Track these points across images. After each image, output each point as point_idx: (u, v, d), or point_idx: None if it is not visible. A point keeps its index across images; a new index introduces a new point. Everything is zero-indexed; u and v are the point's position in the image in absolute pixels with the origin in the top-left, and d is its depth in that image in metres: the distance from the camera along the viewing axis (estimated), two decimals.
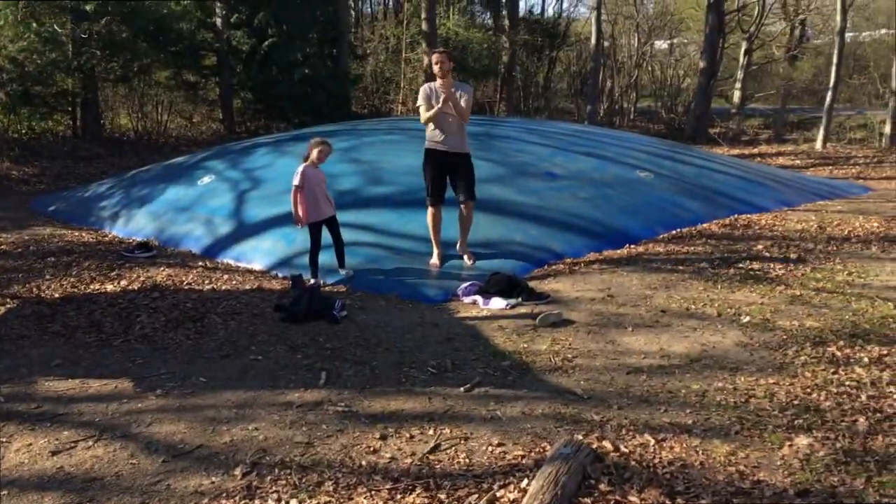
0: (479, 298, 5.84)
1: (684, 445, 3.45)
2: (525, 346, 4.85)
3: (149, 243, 7.73)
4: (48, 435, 3.72)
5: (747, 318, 5.21)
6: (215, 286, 6.36)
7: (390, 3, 29.24)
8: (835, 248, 7.18)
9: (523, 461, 3.35)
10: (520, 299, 5.77)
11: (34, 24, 14.00)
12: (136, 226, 8.58)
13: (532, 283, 6.12)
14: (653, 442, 3.49)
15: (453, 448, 3.50)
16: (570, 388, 4.17)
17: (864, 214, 8.83)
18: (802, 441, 3.44)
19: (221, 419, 3.85)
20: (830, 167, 14.22)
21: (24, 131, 15.42)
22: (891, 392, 3.95)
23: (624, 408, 3.89)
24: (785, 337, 4.83)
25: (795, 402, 3.87)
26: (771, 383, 4.13)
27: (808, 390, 4.01)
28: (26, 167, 13.23)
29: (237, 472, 3.31)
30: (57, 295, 6.14)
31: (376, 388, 4.21)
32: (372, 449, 3.50)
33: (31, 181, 12.41)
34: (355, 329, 5.24)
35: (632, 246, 7.37)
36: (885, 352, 4.49)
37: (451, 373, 4.42)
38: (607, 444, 3.46)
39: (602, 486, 3.10)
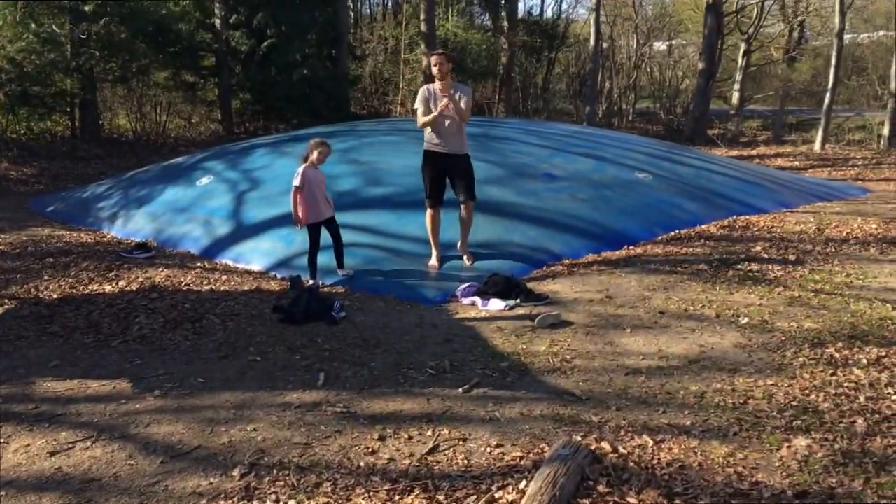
0: (477, 299, 5.84)
1: (683, 446, 3.45)
2: (524, 347, 4.85)
3: (147, 244, 7.72)
4: (46, 435, 3.71)
5: (746, 320, 5.21)
6: (214, 287, 6.36)
7: (389, 4, 29.27)
8: (833, 250, 7.19)
9: (522, 462, 3.35)
10: (518, 300, 5.77)
11: (33, 25, 14.00)
12: (134, 226, 8.57)
13: (531, 285, 6.12)
14: (651, 443, 3.49)
15: (452, 449, 3.50)
16: (568, 389, 4.17)
17: (863, 216, 8.84)
18: (801, 442, 3.44)
19: (220, 420, 3.85)
20: (829, 168, 14.23)
21: (22, 132, 15.42)
22: (889, 393, 3.95)
23: (622, 409, 3.89)
24: (783, 338, 4.84)
25: (794, 404, 3.87)
26: (769, 384, 4.13)
27: (807, 392, 4.01)
28: (25, 167, 13.22)
29: (235, 472, 3.31)
30: (55, 296, 6.13)
31: (375, 389, 4.21)
32: (370, 450, 3.50)
33: (30, 181, 12.41)
34: (354, 330, 5.24)
35: (630, 247, 7.37)
36: (883, 353, 4.50)
37: (449, 374, 4.42)
38: (606, 446, 3.46)
39: (600, 488, 3.10)
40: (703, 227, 8.20)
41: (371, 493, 3.13)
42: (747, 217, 8.75)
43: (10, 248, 7.78)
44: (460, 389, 4.17)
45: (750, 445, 3.45)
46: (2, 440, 3.67)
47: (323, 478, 3.26)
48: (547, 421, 3.77)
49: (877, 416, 3.70)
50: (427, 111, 6.48)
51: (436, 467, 3.34)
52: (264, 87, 18.46)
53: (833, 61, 17.02)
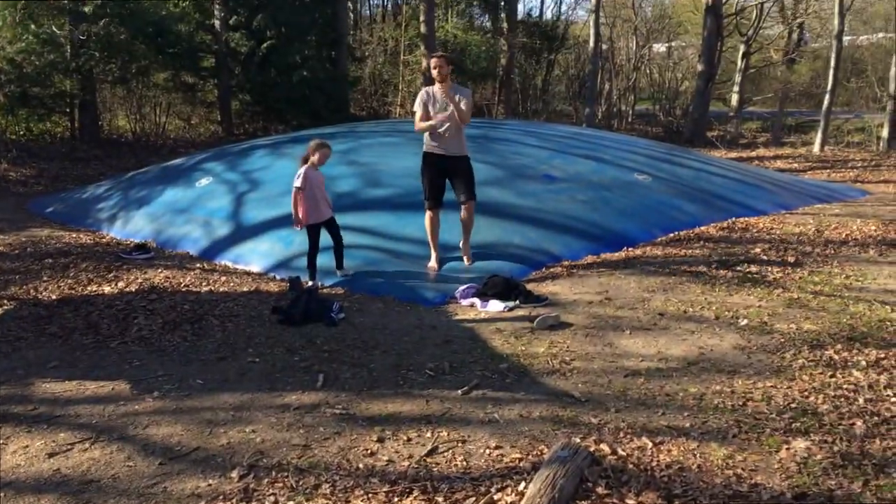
0: (476, 301, 5.84)
1: (682, 448, 3.45)
2: (523, 348, 4.85)
3: (146, 245, 7.72)
4: (45, 437, 3.71)
5: (745, 321, 5.21)
6: (213, 288, 6.35)
7: (389, 5, 29.28)
8: (832, 252, 7.19)
9: (521, 464, 3.35)
10: (517, 302, 5.77)
11: (32, 26, 14.00)
12: (133, 227, 8.57)
13: (530, 286, 6.12)
14: (650, 445, 3.49)
15: (451, 451, 3.50)
16: (567, 390, 4.16)
17: (862, 218, 8.85)
18: (800, 444, 3.44)
19: (218, 421, 3.85)
20: (828, 170, 14.24)
21: (21, 133, 15.42)
22: (888, 395, 3.95)
23: (621, 411, 3.89)
24: (783, 340, 4.84)
25: (793, 406, 3.87)
26: (768, 386, 4.13)
27: (806, 393, 4.01)
28: (24, 168, 13.22)
29: (234, 474, 3.31)
30: (54, 296, 6.13)
31: (374, 391, 4.21)
32: (369, 451, 3.50)
33: (29, 182, 12.40)
34: (353, 331, 5.24)
35: (629, 249, 7.37)
36: (882, 355, 4.50)
37: (448, 375, 4.42)
38: (605, 447, 3.46)
39: (599, 490, 3.10)
40: (703, 228, 8.20)
41: (370, 495, 3.13)
42: (746, 219, 8.76)
43: (10, 249, 7.78)
44: (459, 391, 4.17)
45: (749, 447, 3.45)
46: (0, 441, 3.66)
47: (322, 479, 3.26)
48: (546, 422, 3.77)
49: (876, 418, 3.70)
50: (425, 114, 6.49)
51: (435, 469, 3.34)
52: (264, 88, 18.47)
53: (832, 63, 17.04)
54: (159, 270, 6.88)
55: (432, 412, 3.92)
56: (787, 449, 3.41)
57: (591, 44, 20.63)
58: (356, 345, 4.95)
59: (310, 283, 6.27)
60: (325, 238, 6.40)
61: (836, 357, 4.51)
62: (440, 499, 3.09)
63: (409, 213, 7.37)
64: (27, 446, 3.61)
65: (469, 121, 6.52)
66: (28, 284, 6.47)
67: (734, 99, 21.89)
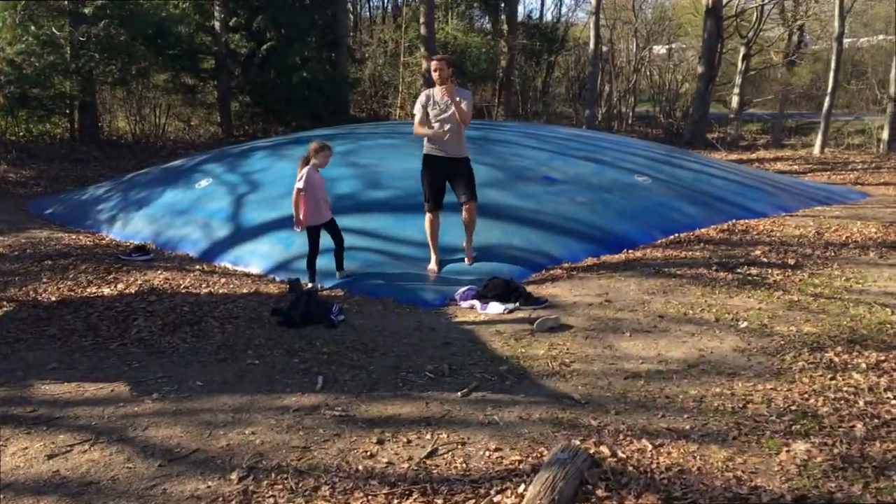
0: (476, 303, 5.84)
1: (682, 451, 3.45)
2: (522, 350, 4.84)
3: (146, 246, 7.72)
4: (44, 438, 3.70)
5: (745, 324, 5.21)
6: (212, 290, 6.35)
7: (389, 7, 29.33)
8: (833, 254, 7.19)
9: (520, 466, 3.34)
10: (517, 304, 5.76)
11: (32, 27, 14.01)
12: (133, 229, 8.57)
13: (530, 288, 6.11)
14: (650, 447, 3.48)
15: (450, 453, 3.50)
16: (567, 392, 4.16)
17: (862, 220, 8.85)
18: (800, 447, 3.43)
19: (218, 423, 3.84)
20: (828, 172, 14.25)
21: (21, 134, 15.42)
22: (888, 398, 3.95)
23: (621, 413, 3.88)
24: (783, 342, 4.83)
25: (793, 408, 3.87)
26: (769, 389, 4.12)
27: (806, 396, 4.01)
28: (23, 170, 13.22)
29: (233, 476, 3.30)
30: (53, 298, 6.12)
31: (373, 393, 4.21)
32: (369, 453, 3.49)
33: (29, 184, 12.40)
34: (352, 333, 5.23)
35: (630, 251, 7.37)
36: (882, 357, 4.49)
37: (448, 377, 4.41)
38: (605, 450, 3.45)
39: (599, 492, 3.10)
40: (703, 230, 8.20)
41: (369, 497, 3.12)
42: (747, 221, 8.76)
43: (9, 251, 7.78)
44: (459, 393, 4.17)
45: (749, 450, 3.44)
46: (0, 443, 3.66)
47: (321, 481, 3.25)
48: (546, 425, 3.77)
49: (876, 420, 3.70)
50: (425, 116, 6.50)
51: (434, 471, 3.33)
52: (264, 89, 18.48)
53: (832, 65, 17.05)
54: (159, 272, 6.88)
55: (432, 414, 3.91)
56: (788, 451, 3.40)
57: (592, 46, 20.63)
58: (356, 347, 4.95)
59: (309, 285, 6.27)
60: (324, 240, 6.40)
61: (836, 359, 4.50)
62: (440, 501, 3.08)
63: (409, 215, 7.37)
64: (26, 448, 3.61)
65: (469, 122, 6.52)
66: (27, 286, 6.46)
67: (734, 101, 21.90)
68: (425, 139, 6.54)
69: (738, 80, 21.81)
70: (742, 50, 21.40)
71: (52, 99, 15.10)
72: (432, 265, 6.66)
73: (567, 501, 3.00)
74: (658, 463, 3.34)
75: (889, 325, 5.09)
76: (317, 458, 3.46)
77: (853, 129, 19.60)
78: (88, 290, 6.37)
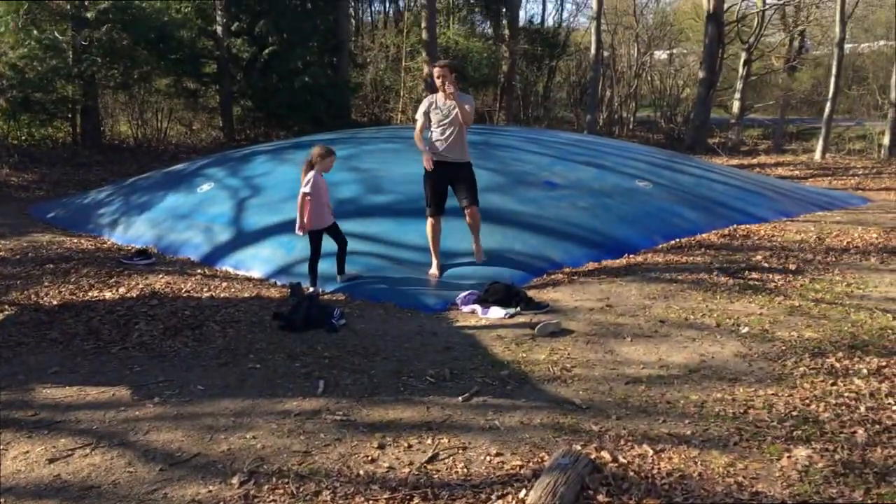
0: (477, 308, 5.84)
1: (683, 456, 3.45)
2: (524, 355, 4.85)
3: (148, 250, 7.72)
4: (45, 442, 3.71)
5: (746, 329, 5.21)
6: (214, 294, 6.36)
7: (391, 12, 29.35)
8: (834, 259, 7.19)
9: (521, 471, 3.34)
10: (518, 309, 5.77)
11: (35, 31, 14.04)
12: (135, 233, 8.58)
13: (531, 293, 6.12)
14: (651, 452, 3.48)
15: (451, 458, 3.50)
16: (568, 397, 4.16)
17: (863, 225, 8.84)
18: (801, 452, 3.43)
19: (219, 427, 3.84)
20: (829, 178, 14.25)
21: (23, 138, 15.45)
22: (889, 404, 3.95)
23: (622, 418, 3.88)
24: (784, 348, 4.83)
25: (794, 414, 3.87)
26: (770, 394, 4.12)
27: (807, 401, 4.01)
28: (26, 174, 13.24)
29: (234, 480, 3.30)
30: (55, 302, 6.13)
31: (374, 397, 4.21)
32: (370, 458, 3.49)
33: (31, 188, 12.42)
34: (354, 338, 5.24)
35: (631, 256, 7.37)
36: (883, 363, 4.49)
37: (449, 382, 4.42)
38: (606, 455, 3.45)
39: (600, 497, 3.09)
40: (704, 235, 8.20)
41: (370, 502, 3.12)
42: (748, 226, 8.76)
43: (11, 254, 7.79)
44: (460, 398, 4.17)
45: (750, 455, 3.44)
46: (1, 447, 3.66)
47: (322, 486, 3.25)
48: (547, 430, 3.76)
49: (877, 426, 3.69)
50: (427, 122, 6.55)
51: (435, 476, 3.33)
52: (265, 94, 18.51)
53: (833, 71, 17.07)
54: (160, 276, 6.88)
55: (433, 419, 3.91)
56: (789, 457, 3.40)
57: (593, 51, 20.67)
58: (357, 351, 4.95)
59: (311, 289, 6.28)
60: (324, 245, 6.40)
61: (837, 365, 4.50)
62: None
63: (411, 220, 7.38)
64: (28, 452, 3.61)
65: (471, 122, 6.53)
66: (29, 290, 6.47)
67: (735, 106, 21.91)
68: (429, 142, 6.58)
69: (739, 85, 21.83)
70: (743, 55, 21.43)
71: (54, 103, 15.12)
72: (433, 270, 6.67)
73: None
74: (659, 468, 3.34)
75: (890, 331, 5.08)
76: (318, 462, 3.46)
77: (854, 134, 19.62)
78: (90, 293, 6.38)
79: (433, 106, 6.55)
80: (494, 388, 4.30)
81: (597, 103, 21.70)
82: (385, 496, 3.16)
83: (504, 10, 25.28)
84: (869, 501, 3.04)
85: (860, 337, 4.99)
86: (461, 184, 6.60)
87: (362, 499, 3.14)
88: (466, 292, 6.08)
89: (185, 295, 6.32)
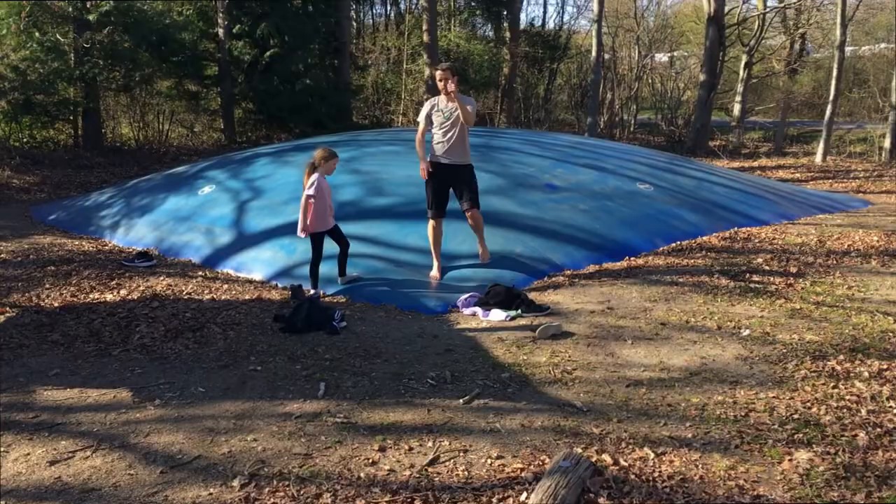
0: (478, 310, 5.84)
1: (684, 459, 3.44)
2: (524, 358, 4.84)
3: (149, 253, 7.73)
4: (46, 444, 3.71)
5: (747, 332, 5.21)
6: (215, 296, 6.36)
7: (392, 14, 29.36)
8: (835, 262, 7.18)
9: (522, 474, 3.34)
10: (519, 311, 5.76)
11: (37, 33, 14.06)
12: (136, 235, 8.58)
13: (532, 295, 6.12)
14: (652, 455, 3.48)
15: (452, 460, 3.50)
16: (569, 400, 4.16)
17: (864, 228, 8.84)
18: (802, 456, 3.43)
19: (220, 430, 3.84)
20: (830, 181, 14.25)
21: (25, 140, 15.46)
22: (891, 407, 3.94)
23: (623, 421, 3.88)
24: (785, 351, 4.83)
25: (795, 417, 3.86)
26: (771, 397, 4.12)
27: (808, 404, 4.01)
28: (27, 176, 13.25)
29: (235, 483, 3.30)
30: (56, 304, 6.13)
31: (375, 400, 4.21)
32: (371, 461, 3.49)
33: (32, 190, 12.43)
34: (355, 340, 5.24)
35: (632, 258, 7.37)
36: (885, 366, 4.49)
37: (450, 384, 4.42)
38: (607, 458, 3.45)
39: (601, 500, 3.09)
40: (705, 238, 8.20)
41: None
42: (749, 229, 8.76)
43: (12, 256, 7.79)
44: (461, 400, 4.17)
45: (751, 458, 3.44)
46: (2, 449, 3.66)
47: (323, 489, 3.25)
48: (548, 432, 3.76)
49: (878, 429, 3.69)
50: (428, 125, 6.59)
51: (436, 479, 3.33)
52: (267, 96, 18.53)
53: (834, 73, 17.06)
54: (161, 278, 6.89)
55: (434, 421, 3.91)
56: (790, 460, 3.40)
57: (594, 53, 20.66)
58: (358, 353, 4.95)
59: (312, 292, 6.28)
60: (326, 247, 6.41)
61: (838, 368, 4.50)
62: None
63: (411, 222, 7.38)
64: (28, 454, 3.61)
65: (472, 122, 6.54)
66: (30, 292, 6.47)
67: (736, 109, 21.92)
68: (431, 144, 6.60)
69: (739, 88, 21.84)
70: (744, 58, 21.43)
71: (55, 105, 15.13)
72: (434, 272, 6.67)
73: None
74: (660, 471, 3.34)
75: (891, 334, 5.08)
76: (319, 465, 3.46)
77: (855, 137, 19.61)
78: (91, 296, 6.38)
79: (435, 108, 6.57)
80: (495, 391, 4.30)
81: (598, 106, 21.69)
82: (386, 499, 3.16)
83: (505, 12, 25.32)
84: None
85: (861, 340, 4.99)
86: (462, 186, 6.61)
87: (363, 501, 3.14)
88: (467, 294, 6.08)
89: (186, 297, 6.32)
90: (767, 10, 22.01)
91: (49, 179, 13.12)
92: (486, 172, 8.06)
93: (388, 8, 29.70)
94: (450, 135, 6.49)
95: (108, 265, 7.39)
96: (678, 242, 7.97)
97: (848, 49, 19.95)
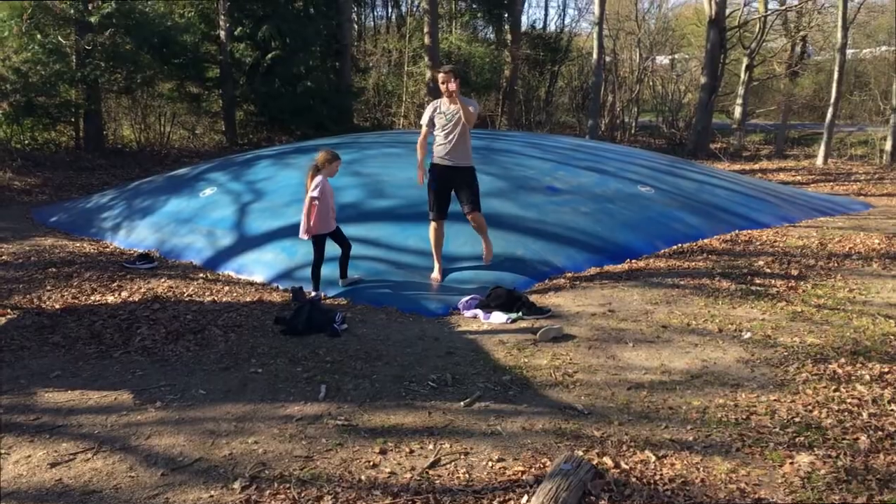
0: (479, 312, 5.84)
1: (685, 462, 3.44)
2: (526, 360, 4.84)
3: (150, 255, 7.73)
4: (47, 447, 3.71)
5: (748, 335, 5.20)
6: (216, 298, 6.36)
7: (393, 17, 29.39)
8: (836, 265, 7.18)
9: (523, 477, 3.34)
10: (520, 314, 5.76)
11: (38, 36, 14.07)
12: (137, 237, 8.59)
13: (533, 298, 6.12)
14: (653, 458, 3.48)
15: (453, 463, 3.49)
16: (570, 403, 4.16)
17: (865, 231, 8.84)
18: (804, 459, 3.43)
19: (221, 432, 3.84)
20: (831, 183, 14.24)
21: (26, 142, 15.46)
22: (892, 410, 3.94)
23: (625, 424, 3.88)
24: (786, 353, 4.83)
25: (797, 420, 3.86)
26: (772, 400, 4.12)
27: (810, 407, 4.00)
28: (28, 178, 13.26)
29: (236, 485, 3.30)
30: (57, 306, 6.14)
31: (376, 402, 4.21)
32: (372, 463, 3.49)
33: (34, 192, 12.43)
34: (356, 342, 5.24)
35: (633, 261, 7.37)
36: (886, 369, 4.49)
37: (451, 387, 4.41)
38: (608, 461, 3.45)
39: (602, 503, 3.09)
40: (706, 241, 8.20)
41: None
42: (750, 231, 8.75)
43: (13, 258, 7.79)
44: (462, 403, 4.17)
45: (752, 461, 3.44)
46: (3, 451, 3.66)
47: (324, 491, 3.25)
48: (549, 435, 3.76)
49: (880, 432, 3.69)
50: (431, 127, 6.64)
51: (437, 481, 3.33)
52: (268, 98, 18.54)
53: (835, 76, 17.07)
54: (163, 280, 6.89)
55: (435, 424, 3.91)
56: (791, 463, 3.40)
57: (595, 56, 20.68)
58: (359, 356, 4.95)
59: (313, 294, 6.28)
60: (327, 249, 6.41)
61: (839, 371, 4.50)
62: None
63: (412, 224, 7.38)
64: (29, 456, 3.61)
65: (473, 121, 6.54)
66: (31, 294, 6.48)
67: (737, 111, 21.92)
68: (433, 147, 6.61)
69: (740, 90, 21.85)
70: (745, 61, 21.44)
71: (57, 107, 15.14)
72: (435, 274, 6.67)
73: None
74: (661, 474, 3.33)
75: (892, 337, 5.08)
76: (319, 467, 3.46)
77: (856, 140, 19.61)
78: (92, 297, 6.38)
79: (437, 111, 6.59)
80: (496, 394, 4.30)
81: (599, 108, 21.69)
82: (387, 501, 3.16)
83: (506, 15, 25.36)
84: None
85: (862, 343, 4.98)
86: (463, 188, 6.61)
87: None
88: (468, 297, 6.08)
89: (187, 299, 6.32)
90: (768, 12, 22.02)
91: (50, 181, 13.13)
92: (487, 175, 8.07)
93: (390, 10, 29.76)
94: (451, 136, 6.51)
95: (109, 267, 7.39)
96: (679, 245, 7.97)
97: (849, 52, 19.96)
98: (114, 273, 7.15)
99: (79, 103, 15.22)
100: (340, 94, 19.93)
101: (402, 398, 4.26)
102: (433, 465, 3.48)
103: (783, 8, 23.01)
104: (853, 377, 4.40)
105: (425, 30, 20.27)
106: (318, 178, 6.26)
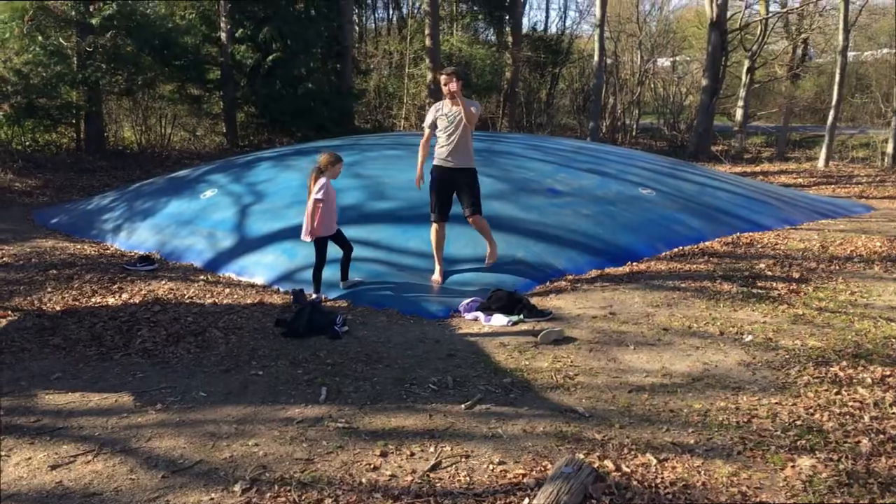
0: (480, 315, 5.84)
1: (686, 465, 3.43)
2: (527, 363, 4.84)
3: (151, 256, 7.74)
4: (47, 449, 3.70)
5: (750, 337, 5.20)
6: (217, 300, 6.36)
7: (394, 19, 29.39)
8: (837, 268, 7.17)
9: (524, 480, 3.33)
10: (521, 316, 5.76)
11: (40, 37, 14.08)
12: (138, 239, 8.59)
13: (534, 300, 6.11)
14: (655, 462, 3.47)
15: (454, 466, 3.49)
16: (571, 406, 4.15)
17: (867, 234, 8.83)
18: (805, 462, 3.42)
19: (221, 434, 3.84)
20: (833, 186, 14.24)
21: (27, 143, 15.47)
22: (894, 413, 3.93)
23: (626, 426, 3.87)
24: (787, 356, 4.82)
25: (798, 423, 3.85)
26: (773, 403, 4.11)
27: (811, 411, 4.00)
28: (29, 179, 13.26)
29: (237, 488, 3.30)
30: (58, 308, 6.13)
31: (377, 405, 4.20)
32: (372, 466, 3.49)
33: (34, 193, 12.44)
34: (356, 344, 5.23)
35: (634, 263, 7.36)
36: (888, 372, 4.48)
37: (452, 389, 4.41)
38: (609, 464, 3.44)
39: None
40: (707, 243, 8.19)
41: None
42: (751, 234, 8.74)
43: (14, 260, 7.80)
44: (463, 405, 4.16)
45: (754, 465, 3.43)
46: (3, 453, 3.66)
47: (324, 494, 3.24)
48: (550, 438, 3.76)
49: (882, 436, 3.68)
50: (433, 129, 6.65)
51: (438, 484, 3.32)
52: (269, 100, 18.54)
53: (837, 79, 17.07)
54: (163, 282, 6.89)
55: (436, 427, 3.91)
56: (793, 467, 3.39)
57: (596, 58, 20.68)
58: (359, 358, 4.95)
59: (314, 296, 6.28)
60: (328, 251, 6.41)
61: (841, 374, 4.49)
62: None
63: (413, 226, 7.38)
64: (30, 458, 3.61)
65: (475, 121, 6.55)
66: (32, 295, 6.48)
67: (739, 114, 21.92)
68: (435, 149, 6.62)
69: (742, 92, 21.85)
70: (746, 63, 21.45)
71: (58, 109, 15.15)
72: (436, 276, 6.67)
73: None
74: (662, 477, 3.33)
75: (894, 340, 5.07)
76: (320, 470, 3.46)
77: (857, 142, 19.61)
78: (93, 299, 6.38)
79: (440, 113, 6.60)
80: (497, 396, 4.30)
81: (600, 110, 21.69)
82: None
83: (507, 17, 25.34)
84: None
85: (864, 346, 4.98)
86: (465, 190, 6.61)
87: None
88: (469, 299, 6.07)
89: (187, 301, 6.32)
90: (770, 15, 22.04)
91: (51, 183, 13.14)
92: (488, 177, 8.06)
93: (391, 12, 29.75)
94: (453, 137, 6.51)
95: (109, 269, 7.39)
96: (680, 247, 7.96)
97: (850, 54, 19.97)
98: (114, 275, 7.15)
99: (80, 105, 15.23)
100: (341, 96, 19.93)
101: (402, 401, 4.26)
102: (434, 467, 3.47)
103: (784, 10, 23.03)
104: (855, 380, 4.39)
105: (426, 32, 20.27)
106: (322, 181, 6.26)
